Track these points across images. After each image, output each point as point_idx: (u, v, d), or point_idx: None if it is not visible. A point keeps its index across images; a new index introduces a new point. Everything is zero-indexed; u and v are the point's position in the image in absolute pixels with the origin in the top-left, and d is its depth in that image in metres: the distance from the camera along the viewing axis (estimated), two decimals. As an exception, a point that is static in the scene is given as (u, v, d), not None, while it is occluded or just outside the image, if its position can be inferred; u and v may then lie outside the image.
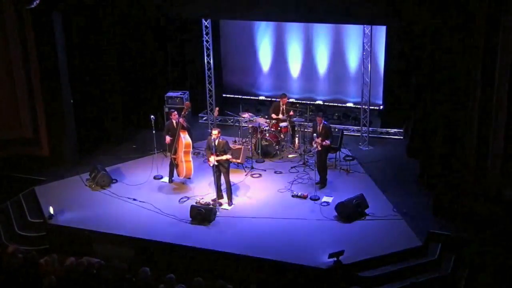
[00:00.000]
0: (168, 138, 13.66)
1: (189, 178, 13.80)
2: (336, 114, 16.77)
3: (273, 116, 15.19)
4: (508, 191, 11.64)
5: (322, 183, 13.50)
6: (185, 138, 13.49)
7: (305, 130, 15.33)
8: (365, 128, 15.58)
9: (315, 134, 13.25)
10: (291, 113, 15.18)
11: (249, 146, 15.06)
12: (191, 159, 13.66)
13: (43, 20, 14.08)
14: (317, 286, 11.01)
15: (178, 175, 13.77)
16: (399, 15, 12.24)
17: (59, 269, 9.46)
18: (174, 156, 13.61)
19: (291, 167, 14.45)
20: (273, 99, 16.00)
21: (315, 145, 13.24)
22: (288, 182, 13.78)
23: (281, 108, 15.26)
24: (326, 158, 13.47)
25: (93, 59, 15.55)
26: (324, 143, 13.09)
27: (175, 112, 13.72)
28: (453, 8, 11.30)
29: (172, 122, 13.72)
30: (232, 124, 16.15)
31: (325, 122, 13.34)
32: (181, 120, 13.51)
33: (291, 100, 16.57)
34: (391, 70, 15.75)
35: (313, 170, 13.69)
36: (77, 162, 15.01)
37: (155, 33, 16.43)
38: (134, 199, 13.24)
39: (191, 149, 13.69)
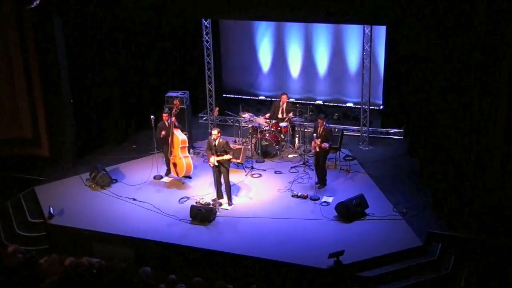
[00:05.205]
0: (163, 132, 13.59)
1: (190, 178, 13.81)
2: (336, 114, 16.76)
3: (268, 116, 15.19)
4: (508, 189, 11.63)
5: (322, 183, 13.51)
6: (179, 135, 13.48)
7: (305, 130, 15.33)
8: (365, 128, 15.57)
9: (315, 135, 13.24)
10: (291, 114, 15.16)
11: (249, 146, 15.05)
12: (188, 154, 13.65)
13: (43, 21, 14.08)
14: (317, 286, 11.02)
15: (178, 175, 13.76)
16: (399, 14, 12.24)
17: (59, 269, 9.46)
18: (172, 157, 13.61)
19: (291, 167, 14.45)
20: (273, 99, 15.96)
21: (313, 145, 13.23)
22: (288, 182, 13.78)
23: (281, 108, 15.27)
24: (325, 159, 13.45)
25: (93, 59, 15.54)
26: (323, 145, 13.08)
27: (166, 114, 13.67)
28: (453, 6, 11.31)
29: (164, 122, 13.70)
30: (232, 124, 16.14)
31: (326, 125, 13.30)
32: (173, 119, 13.51)
33: (291, 100, 16.57)
34: (391, 70, 15.74)
35: (313, 170, 13.69)
36: (77, 162, 15.01)
37: (155, 32, 16.43)
38: (134, 199, 13.23)
39: (187, 145, 13.68)
